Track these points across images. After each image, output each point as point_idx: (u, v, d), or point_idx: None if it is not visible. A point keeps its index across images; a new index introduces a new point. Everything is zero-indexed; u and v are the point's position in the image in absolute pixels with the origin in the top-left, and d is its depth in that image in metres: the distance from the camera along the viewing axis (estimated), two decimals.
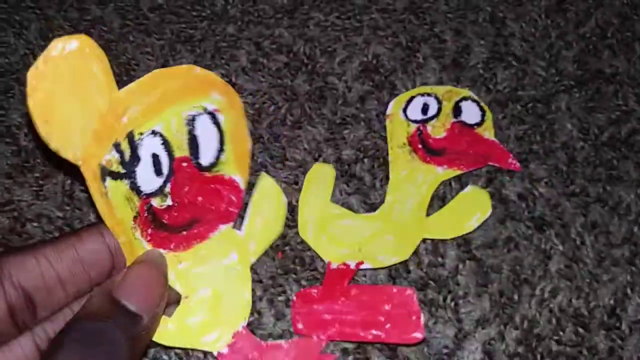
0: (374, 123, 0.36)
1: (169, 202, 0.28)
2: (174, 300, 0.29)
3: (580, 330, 0.31)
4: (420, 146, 0.34)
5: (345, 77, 0.37)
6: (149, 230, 0.28)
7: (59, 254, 0.24)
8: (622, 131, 0.35)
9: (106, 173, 0.26)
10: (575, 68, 0.37)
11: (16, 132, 0.35)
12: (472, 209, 0.33)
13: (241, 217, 0.31)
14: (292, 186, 0.34)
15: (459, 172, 0.34)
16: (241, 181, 0.30)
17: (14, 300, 0.23)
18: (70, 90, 0.24)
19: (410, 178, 0.33)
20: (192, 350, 0.31)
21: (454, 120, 0.35)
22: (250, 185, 0.32)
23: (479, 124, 0.35)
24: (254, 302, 0.31)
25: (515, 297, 0.32)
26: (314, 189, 0.33)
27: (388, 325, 0.30)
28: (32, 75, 0.23)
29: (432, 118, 0.35)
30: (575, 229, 0.33)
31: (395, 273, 0.32)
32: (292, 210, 0.33)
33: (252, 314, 0.31)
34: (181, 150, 0.28)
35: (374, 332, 0.30)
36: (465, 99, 0.35)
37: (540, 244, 0.33)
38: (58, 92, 0.24)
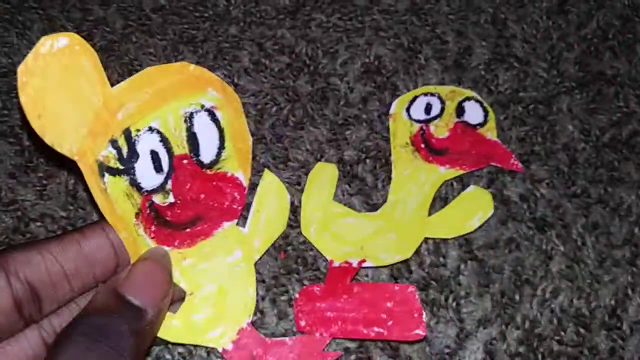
0: (376, 124, 0.36)
1: (171, 199, 0.29)
2: (179, 297, 0.29)
3: (581, 330, 0.31)
4: (422, 146, 0.34)
5: (347, 78, 0.37)
6: (153, 227, 0.28)
7: (64, 250, 0.25)
8: (623, 133, 0.35)
9: (104, 169, 0.26)
10: (577, 70, 0.37)
11: (19, 132, 0.35)
12: (474, 209, 0.33)
13: (245, 214, 0.31)
14: (295, 187, 0.34)
15: (461, 172, 0.34)
16: (243, 178, 0.30)
17: (20, 294, 0.24)
18: (62, 86, 0.24)
19: (413, 177, 0.34)
20: (196, 346, 0.31)
21: (457, 120, 0.35)
22: (254, 185, 0.32)
23: (482, 125, 0.35)
24: (256, 301, 0.31)
25: (517, 297, 0.32)
26: (316, 188, 0.34)
27: (390, 323, 0.30)
28: (21, 71, 0.24)
29: (435, 118, 0.35)
30: (576, 229, 0.33)
31: (397, 273, 0.32)
32: (295, 210, 0.33)
33: (255, 313, 0.31)
34: (181, 147, 0.28)
35: (376, 329, 0.30)
36: (468, 99, 0.35)
37: (541, 244, 0.33)
38: (49, 87, 0.24)
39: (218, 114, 0.29)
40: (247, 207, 0.32)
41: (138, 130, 0.27)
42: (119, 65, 0.37)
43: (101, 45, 0.37)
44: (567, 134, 0.35)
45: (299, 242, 0.33)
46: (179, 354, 0.31)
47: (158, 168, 0.28)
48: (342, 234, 0.32)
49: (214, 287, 0.30)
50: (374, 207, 0.34)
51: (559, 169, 0.35)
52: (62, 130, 0.25)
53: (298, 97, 0.36)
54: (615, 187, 0.34)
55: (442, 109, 0.35)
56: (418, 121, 0.35)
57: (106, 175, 0.26)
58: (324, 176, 0.34)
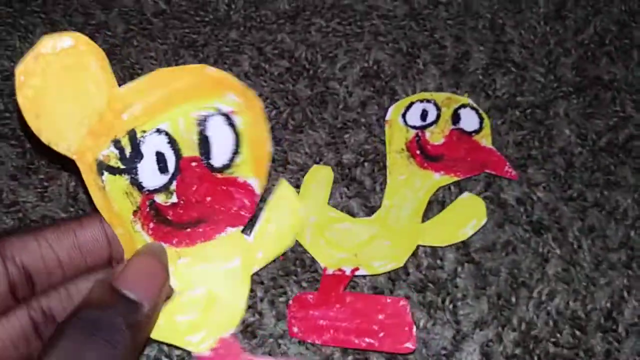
0: (375, 128, 0.36)
1: (173, 199, 0.28)
2: (166, 294, 0.28)
3: (577, 332, 0.31)
4: (418, 152, 0.35)
5: (346, 83, 0.37)
6: (151, 225, 0.28)
7: (59, 238, 0.25)
8: (619, 137, 0.36)
9: (103, 167, 0.26)
10: (574, 75, 0.37)
11: (21, 135, 0.36)
12: (467, 217, 0.33)
13: (253, 222, 0.31)
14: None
15: (455, 178, 0.34)
16: (257, 185, 0.30)
17: (15, 278, 0.24)
18: (64, 86, 0.24)
19: (408, 183, 0.34)
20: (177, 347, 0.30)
21: (453, 127, 0.35)
22: (269, 190, 0.31)
23: (477, 131, 0.35)
24: (255, 303, 0.32)
25: (513, 299, 0.32)
26: (312, 191, 0.34)
27: (381, 334, 0.30)
28: (20, 71, 0.23)
29: (430, 124, 0.35)
30: (572, 233, 0.33)
31: (395, 276, 0.32)
32: None
33: (253, 314, 0.31)
34: (191, 150, 0.28)
35: (367, 339, 0.30)
36: (464, 106, 0.36)
37: (538, 247, 0.33)
38: (50, 88, 0.24)
39: (237, 118, 0.28)
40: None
41: (144, 132, 0.27)
42: (120, 69, 0.37)
43: (103, 49, 0.37)
44: (564, 138, 0.36)
45: (297, 244, 0.33)
46: (177, 356, 0.31)
47: (163, 169, 0.28)
48: (336, 240, 0.32)
49: (204, 290, 0.29)
50: (372, 210, 0.34)
51: (555, 172, 0.35)
52: (60, 130, 0.25)
53: (297, 101, 0.37)
54: (612, 190, 0.34)
55: (438, 116, 0.35)
56: (414, 127, 0.35)
57: (105, 173, 0.26)
58: (319, 179, 0.34)
